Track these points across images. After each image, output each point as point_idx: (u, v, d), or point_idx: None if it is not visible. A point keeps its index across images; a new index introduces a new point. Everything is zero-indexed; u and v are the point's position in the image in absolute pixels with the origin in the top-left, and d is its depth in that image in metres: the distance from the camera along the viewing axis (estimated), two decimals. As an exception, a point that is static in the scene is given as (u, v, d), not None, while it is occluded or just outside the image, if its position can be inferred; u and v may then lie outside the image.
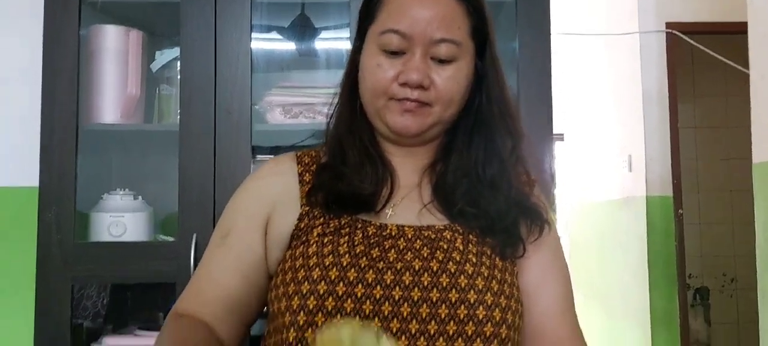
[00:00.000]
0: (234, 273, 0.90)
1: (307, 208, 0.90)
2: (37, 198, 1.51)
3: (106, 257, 1.54)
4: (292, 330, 0.83)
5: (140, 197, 1.63)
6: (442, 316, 0.82)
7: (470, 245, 0.88)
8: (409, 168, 0.95)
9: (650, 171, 3.03)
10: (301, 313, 0.82)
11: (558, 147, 3.95)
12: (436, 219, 0.91)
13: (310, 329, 0.82)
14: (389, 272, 0.84)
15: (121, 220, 1.57)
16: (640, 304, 3.07)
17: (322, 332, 0.64)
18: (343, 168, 0.91)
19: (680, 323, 3.01)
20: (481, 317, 0.83)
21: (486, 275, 0.86)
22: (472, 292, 0.84)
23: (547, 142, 1.59)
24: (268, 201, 0.93)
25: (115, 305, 1.79)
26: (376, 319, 0.81)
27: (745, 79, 2.18)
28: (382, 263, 0.84)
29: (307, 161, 0.95)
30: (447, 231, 0.89)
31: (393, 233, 0.88)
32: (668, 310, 3.00)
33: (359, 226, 0.88)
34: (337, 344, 0.63)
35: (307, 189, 0.92)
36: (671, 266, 3.02)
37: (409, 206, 0.92)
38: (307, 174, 0.93)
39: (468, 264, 0.86)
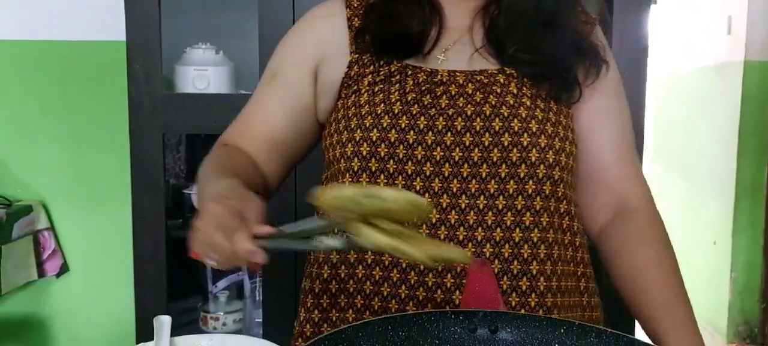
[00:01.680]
0: (280, 113, 0.91)
1: (356, 55, 0.89)
2: (125, 51, 1.56)
3: (194, 108, 1.60)
4: (347, 176, 0.85)
5: (222, 52, 1.66)
6: (495, 159, 0.82)
7: (524, 88, 0.86)
8: (461, 10, 0.90)
9: (751, 33, 2.81)
10: (355, 159, 0.84)
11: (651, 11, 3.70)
12: (489, 64, 0.88)
13: (364, 175, 0.83)
14: (441, 118, 0.83)
15: (204, 73, 1.61)
16: (726, 175, 2.96)
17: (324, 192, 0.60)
18: (389, 7, 0.89)
19: (767, 194, 2.90)
20: (533, 159, 0.82)
21: (540, 117, 0.84)
22: (525, 135, 0.83)
23: (643, 7, 1.50)
24: (316, 45, 0.91)
25: (196, 163, 1.88)
26: (428, 164, 0.82)
27: None
28: (433, 109, 0.83)
29: (356, 5, 0.92)
30: (500, 75, 0.87)
31: (444, 79, 0.86)
32: (755, 181, 2.88)
33: (410, 73, 0.86)
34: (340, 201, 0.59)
35: (355, 34, 0.90)
36: (763, 135, 2.87)
37: (460, 51, 0.89)
38: (357, 19, 0.91)
39: (522, 108, 0.84)
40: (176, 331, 0.75)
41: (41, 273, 1.87)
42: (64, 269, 1.91)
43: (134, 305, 1.77)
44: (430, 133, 0.82)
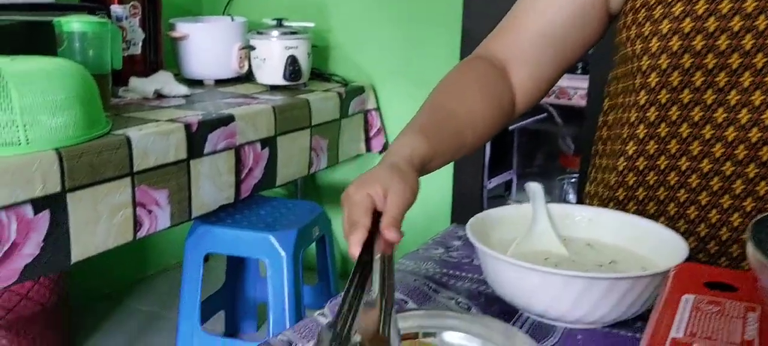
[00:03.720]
0: (558, 4, 0.80)
1: None
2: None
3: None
4: (653, 75, 0.73)
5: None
6: None
7: None
8: None
9: None
10: (663, 56, 0.72)
11: None
12: None
13: (675, 72, 0.71)
14: (762, 16, 0.67)
15: None
16: None
17: None
18: None
19: None
20: None
21: None
22: None
23: None
24: None
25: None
26: (747, 74, 0.68)
27: None
28: (752, 5, 0.67)
29: None
30: None
31: None
32: None
33: None
34: None
35: None
36: None
37: None
38: None
39: None
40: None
41: (368, 148, 2.06)
42: (386, 147, 2.07)
43: (452, 183, 1.85)
44: (749, 35, 0.67)
